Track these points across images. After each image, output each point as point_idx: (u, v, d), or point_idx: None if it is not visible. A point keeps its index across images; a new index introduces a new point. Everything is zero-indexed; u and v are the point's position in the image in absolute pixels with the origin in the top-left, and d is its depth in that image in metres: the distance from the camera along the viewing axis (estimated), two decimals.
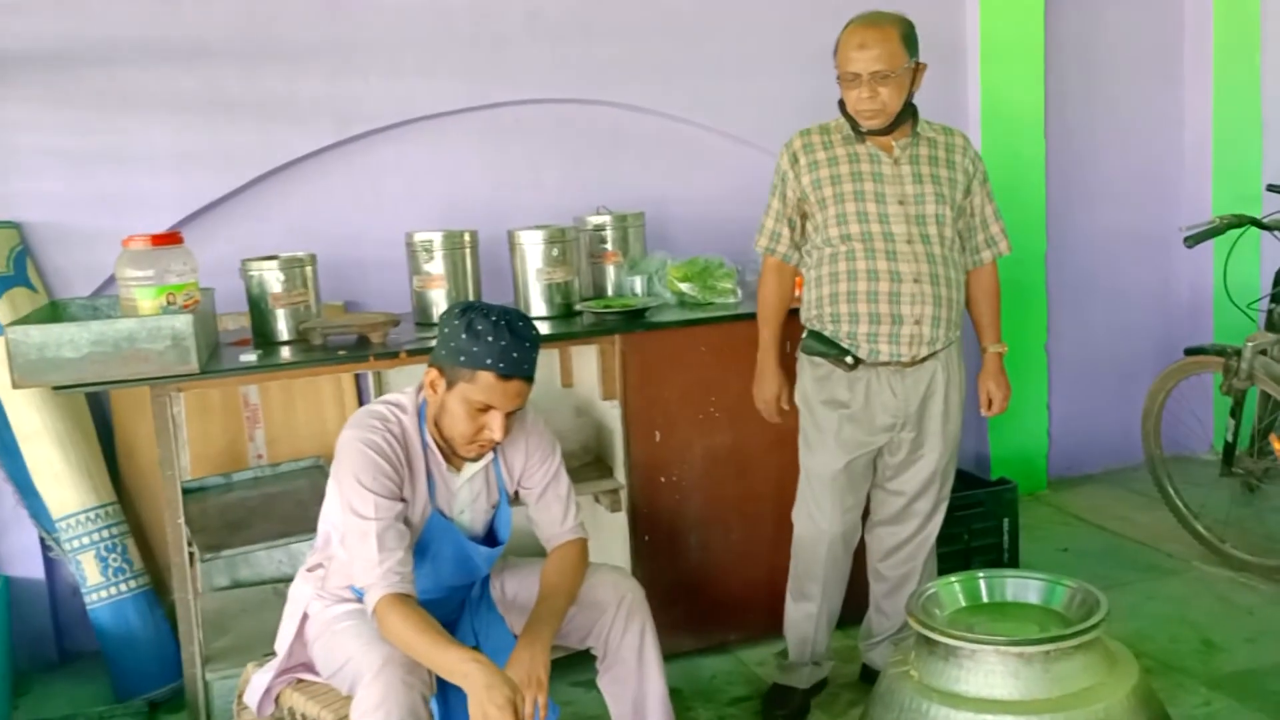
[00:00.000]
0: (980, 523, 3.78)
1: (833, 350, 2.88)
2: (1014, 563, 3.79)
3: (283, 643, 2.50)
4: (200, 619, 2.99)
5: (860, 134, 2.87)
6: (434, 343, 3.09)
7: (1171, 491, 4.07)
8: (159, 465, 2.90)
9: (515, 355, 2.27)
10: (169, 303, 2.90)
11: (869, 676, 3.18)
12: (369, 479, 2.27)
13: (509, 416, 2.32)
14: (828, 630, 3.14)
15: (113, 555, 3.32)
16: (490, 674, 2.12)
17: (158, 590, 3.45)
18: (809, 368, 2.96)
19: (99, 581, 3.31)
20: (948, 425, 2.96)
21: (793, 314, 3.07)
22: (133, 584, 3.34)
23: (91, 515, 3.32)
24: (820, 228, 2.89)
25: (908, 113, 2.88)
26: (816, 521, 3.01)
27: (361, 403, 3.81)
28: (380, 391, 3.60)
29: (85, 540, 3.31)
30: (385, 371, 3.57)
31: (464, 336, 2.26)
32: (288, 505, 3.29)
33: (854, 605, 3.20)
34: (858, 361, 2.86)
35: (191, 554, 2.95)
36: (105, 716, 3.18)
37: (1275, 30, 4.69)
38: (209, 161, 3.67)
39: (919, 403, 2.91)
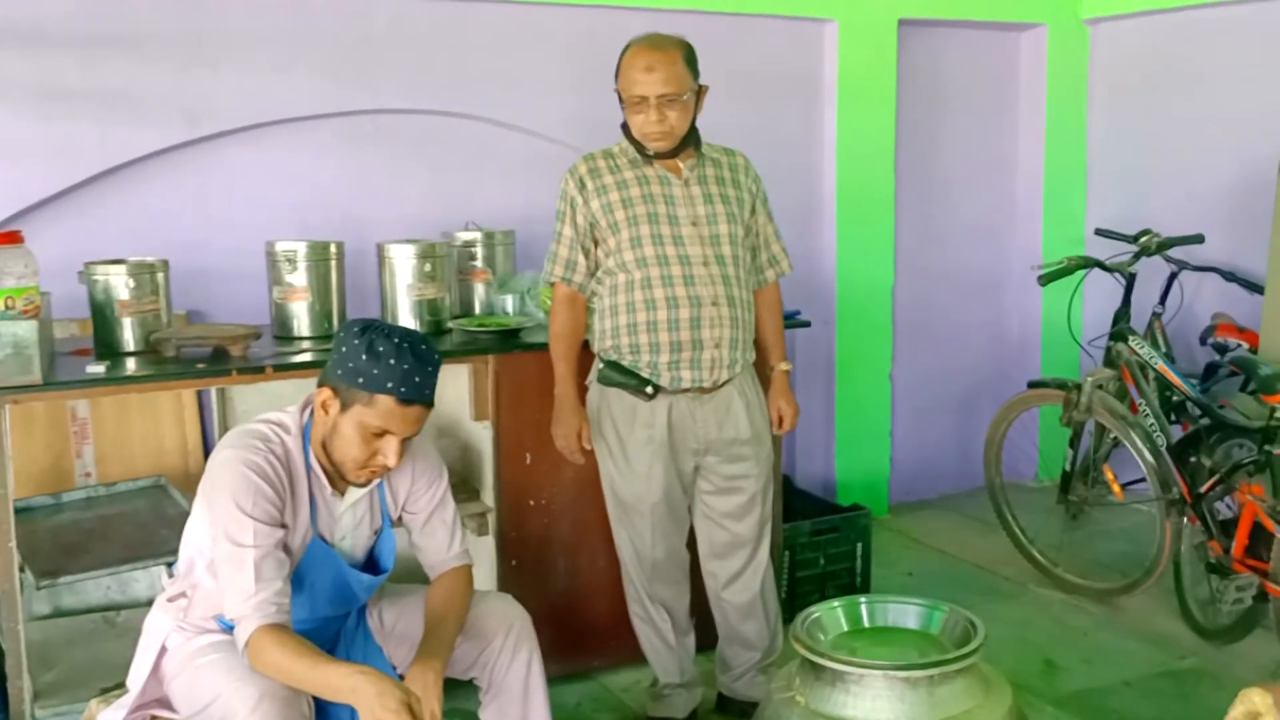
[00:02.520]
0: (835, 547, 3.85)
1: (632, 380, 2.86)
2: (866, 587, 3.89)
3: (137, 678, 2.31)
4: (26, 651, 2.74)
5: (648, 157, 2.89)
6: (309, 356, 3.00)
7: (1009, 517, 4.27)
8: None
9: (417, 379, 2.17)
10: (7, 307, 2.66)
11: (726, 706, 3.19)
12: (249, 504, 2.12)
13: (404, 442, 2.21)
14: (689, 649, 3.13)
15: None
16: (379, 681, 2.01)
17: None
18: (611, 400, 2.93)
19: None
20: (759, 448, 2.99)
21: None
22: None
23: None
24: (613, 252, 2.88)
25: (693, 135, 2.90)
26: (640, 551, 3.00)
27: (204, 420, 3.60)
28: (225, 409, 3.40)
29: None
30: (230, 389, 3.38)
31: (364, 357, 2.14)
32: (127, 528, 3.07)
33: (703, 631, 3.20)
34: (657, 390, 2.86)
35: (21, 581, 2.70)
36: None
37: (1102, 82, 5.00)
38: (41, 155, 3.42)
39: (718, 428, 2.92)
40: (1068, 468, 4.07)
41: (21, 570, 2.71)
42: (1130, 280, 4.02)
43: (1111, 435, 3.90)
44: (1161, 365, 3.82)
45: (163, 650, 2.29)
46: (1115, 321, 4.00)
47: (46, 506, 3.17)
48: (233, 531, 2.11)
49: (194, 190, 3.63)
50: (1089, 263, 3.92)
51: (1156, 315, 4.37)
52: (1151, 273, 4.36)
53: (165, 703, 2.31)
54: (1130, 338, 3.93)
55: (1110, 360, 3.97)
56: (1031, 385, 4.13)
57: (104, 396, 3.30)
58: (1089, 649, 3.59)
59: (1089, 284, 4.29)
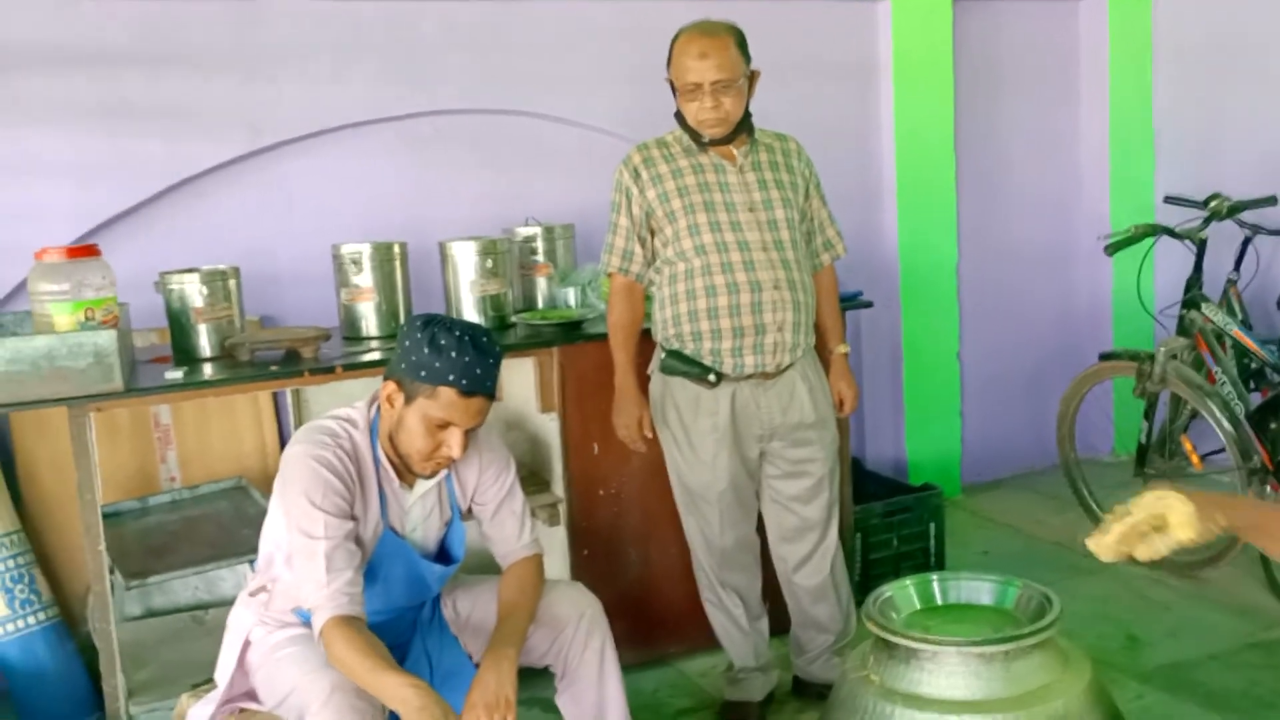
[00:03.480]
0: (908, 528, 3.83)
1: (695, 369, 2.86)
2: (941, 566, 3.86)
3: (223, 672, 2.38)
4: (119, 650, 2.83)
5: (702, 144, 2.88)
6: (377, 355, 3.06)
7: (1085, 493, 4.20)
8: (77, 489, 2.73)
9: (478, 372, 2.20)
10: (87, 318, 2.75)
11: (802, 689, 3.19)
12: (319, 497, 2.18)
13: (468, 434, 2.25)
14: (763, 632, 3.14)
15: (19, 586, 3.12)
16: (424, 696, 2.05)
17: (67, 622, 3.26)
18: (675, 388, 2.93)
19: (5, 615, 3.10)
20: (824, 432, 2.98)
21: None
22: (41, 616, 3.14)
23: None
24: (671, 241, 2.88)
25: (746, 121, 2.90)
26: (710, 538, 3.00)
27: (280, 421, 3.68)
28: (300, 409, 3.49)
29: None
30: (305, 389, 3.46)
31: (426, 351, 2.18)
32: (210, 528, 3.16)
33: (776, 616, 3.20)
34: (720, 378, 2.86)
35: (112, 582, 2.79)
36: None
37: (1166, 47, 4.90)
38: (112, 173, 3.52)
39: (783, 413, 2.91)
40: (1144, 440, 3.99)
41: (111, 572, 2.81)
42: (1201, 246, 3.93)
43: (1188, 406, 3.82)
44: (1237, 331, 3.74)
45: (246, 644, 2.36)
46: (1187, 289, 3.92)
47: (134, 510, 3.27)
48: (304, 525, 2.16)
49: (259, 199, 3.71)
50: (1157, 230, 3.85)
51: (1231, 282, 4.27)
52: (1226, 239, 4.27)
53: (252, 695, 2.37)
54: (1204, 305, 3.85)
55: (1183, 329, 3.89)
56: (1103, 357, 4.06)
57: (183, 402, 3.39)
58: (1172, 623, 3.53)
59: (1161, 253, 4.21)
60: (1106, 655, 3.27)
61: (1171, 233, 3.89)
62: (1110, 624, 3.51)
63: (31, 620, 3.12)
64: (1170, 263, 4.34)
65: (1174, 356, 3.73)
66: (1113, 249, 3.83)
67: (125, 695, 2.81)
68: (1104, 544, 1.50)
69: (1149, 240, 3.88)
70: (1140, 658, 3.31)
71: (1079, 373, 4.19)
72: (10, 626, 3.10)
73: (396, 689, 2.06)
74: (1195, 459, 3.87)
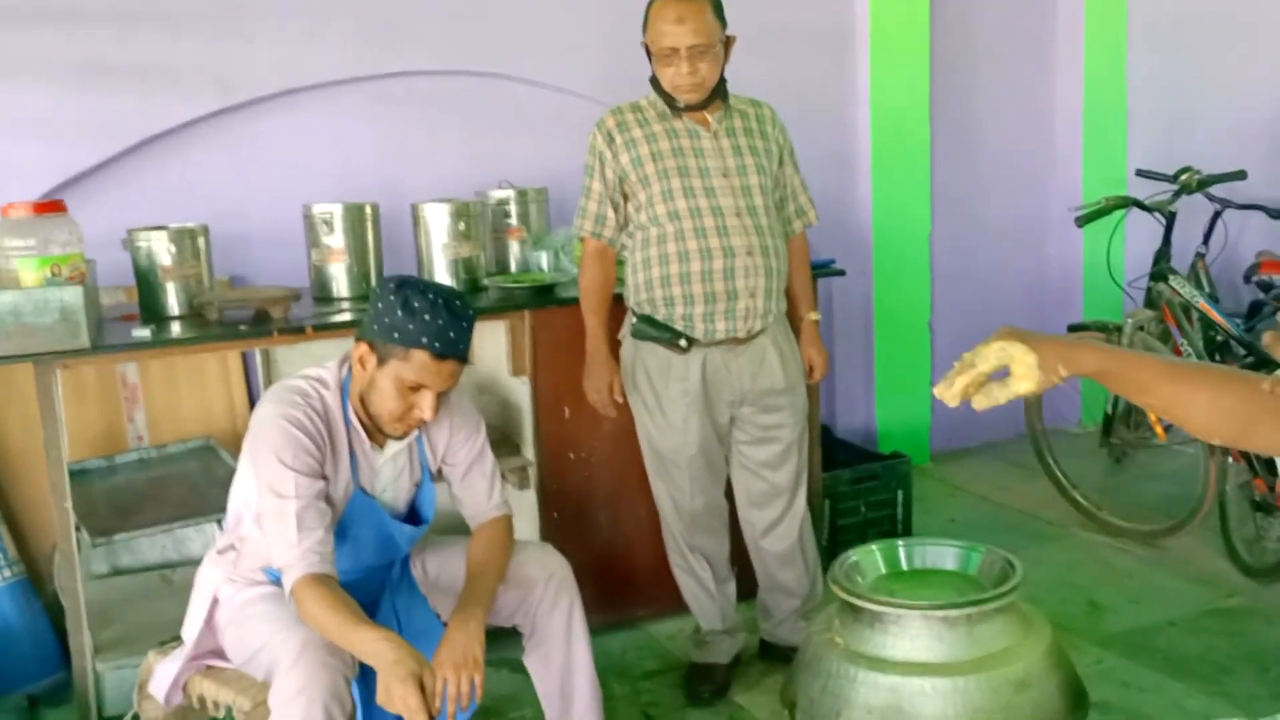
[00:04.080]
0: (876, 495, 3.87)
1: (666, 334, 2.87)
2: (908, 533, 3.90)
3: (191, 629, 2.38)
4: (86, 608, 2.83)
5: (676, 110, 2.88)
6: (348, 316, 3.05)
7: (1051, 462, 4.25)
8: (44, 446, 2.71)
9: (452, 335, 2.19)
10: (53, 274, 2.72)
11: (769, 652, 3.22)
12: (290, 456, 2.17)
13: (440, 396, 2.25)
14: (730, 596, 3.16)
15: None
16: (399, 650, 2.06)
17: (34, 581, 3.24)
18: (645, 353, 2.94)
19: None
20: (794, 398, 3.00)
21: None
22: (7, 574, 3.13)
23: None
24: (644, 206, 2.88)
25: (721, 86, 2.89)
26: (679, 502, 3.02)
27: (249, 382, 3.67)
28: (270, 370, 3.48)
29: None
30: (274, 350, 3.45)
31: (399, 313, 2.18)
32: (179, 488, 3.15)
33: (744, 580, 3.22)
34: (691, 343, 2.87)
35: (78, 540, 2.78)
36: None
37: (1141, 21, 4.91)
38: (81, 129, 3.47)
39: (753, 379, 2.93)
40: (1109, 411, 4.04)
41: (78, 530, 2.80)
42: (1171, 219, 3.96)
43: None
44: (1204, 304, 3.78)
45: (214, 602, 2.36)
46: (1156, 262, 3.95)
47: (100, 469, 3.25)
48: (275, 484, 2.16)
49: (230, 158, 3.67)
50: (1127, 202, 3.88)
51: (1200, 255, 4.31)
52: (1195, 213, 4.30)
53: (219, 653, 2.38)
54: (1171, 277, 3.88)
55: (1151, 301, 3.93)
56: (1071, 329, 4.09)
57: (151, 360, 3.37)
58: (1134, 590, 3.58)
59: (1132, 227, 4.23)
60: (1068, 621, 3.32)
61: (1142, 205, 3.92)
62: (1072, 590, 3.56)
63: None
64: (1140, 236, 4.37)
65: (1141, 328, 3.76)
66: (1084, 220, 3.85)
67: (91, 652, 2.81)
68: (949, 393, 1.49)
69: (1120, 212, 3.91)
70: (1101, 623, 3.36)
71: None
72: None
73: (370, 643, 2.07)
74: (1159, 430, 3.92)
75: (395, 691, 2.03)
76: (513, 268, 3.60)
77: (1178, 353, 3.81)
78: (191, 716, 2.45)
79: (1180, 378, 1.51)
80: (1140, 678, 3.03)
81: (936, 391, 1.52)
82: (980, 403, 1.50)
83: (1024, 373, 1.48)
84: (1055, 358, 1.49)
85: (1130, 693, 2.95)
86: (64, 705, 3.03)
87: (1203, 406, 1.50)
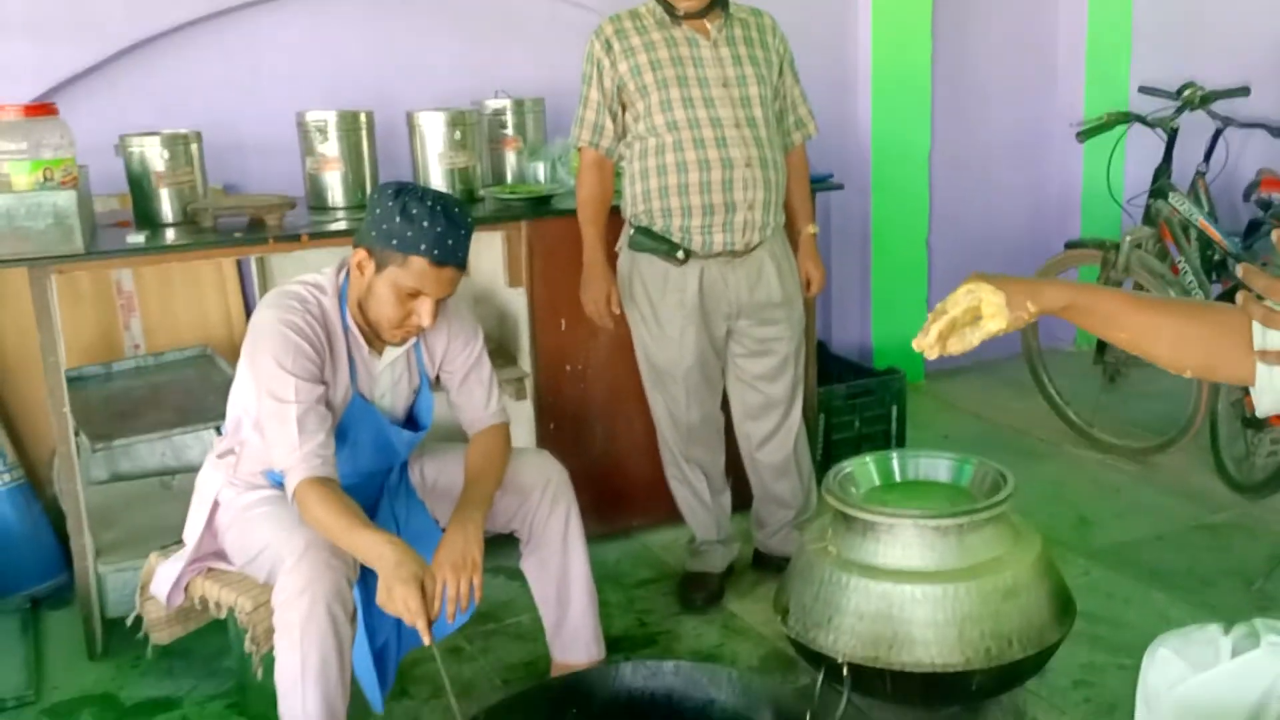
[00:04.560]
0: (870, 410, 3.89)
1: (663, 245, 2.86)
2: (901, 448, 3.92)
3: (192, 532, 2.41)
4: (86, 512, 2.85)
5: (676, 17, 2.84)
6: (343, 224, 3.03)
7: (1045, 380, 4.27)
8: (40, 351, 2.71)
9: (450, 242, 2.18)
10: (46, 179, 2.69)
11: (762, 562, 3.26)
12: (289, 361, 2.18)
13: (438, 303, 2.24)
14: (725, 507, 3.19)
15: None
16: (401, 553, 2.09)
17: (33, 487, 3.26)
18: (643, 265, 2.93)
19: None
20: (790, 311, 3.00)
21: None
22: (7, 478, 3.14)
23: None
24: (642, 116, 2.85)
25: None
26: (675, 414, 3.04)
27: (245, 291, 3.66)
28: (265, 279, 3.46)
29: None
30: (269, 260, 3.43)
31: (398, 219, 2.16)
32: (177, 395, 3.16)
33: (738, 492, 3.26)
34: (689, 255, 2.86)
35: (77, 445, 2.80)
36: None
37: None
38: (68, 29, 3.40)
39: (750, 292, 2.93)
40: None
41: (77, 435, 2.81)
42: (1172, 136, 3.94)
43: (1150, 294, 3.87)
44: (1203, 221, 3.77)
45: (215, 505, 2.38)
46: (1156, 179, 3.94)
47: (98, 376, 3.26)
48: (275, 388, 2.17)
49: (223, 64, 3.61)
50: (1129, 117, 3.85)
51: (1200, 174, 4.28)
52: (1196, 131, 4.26)
53: (220, 555, 2.41)
54: (1171, 194, 3.87)
55: (1150, 218, 3.92)
56: (1069, 246, 4.09)
57: (147, 267, 3.36)
58: (1122, 505, 3.63)
59: (1132, 144, 4.20)
60: (1056, 534, 3.36)
61: (1144, 120, 3.89)
62: (1062, 505, 3.61)
63: None
64: (1141, 154, 4.34)
65: (1139, 246, 3.76)
66: (1085, 135, 3.83)
67: (93, 555, 2.84)
68: (926, 342, 1.53)
69: (1121, 128, 3.88)
70: (1089, 537, 3.41)
71: (1045, 261, 4.22)
72: None
73: (373, 545, 2.10)
74: None
75: (396, 593, 2.06)
76: (509, 179, 3.57)
77: (1175, 271, 3.81)
78: (194, 617, 2.49)
79: (1147, 309, 1.54)
80: (1125, 589, 3.08)
81: (915, 344, 1.56)
82: (955, 346, 1.53)
83: (993, 311, 1.51)
84: (1023, 295, 1.52)
85: (1115, 603, 3.00)
86: (66, 607, 3.07)
87: (1171, 337, 1.52)
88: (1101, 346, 4.10)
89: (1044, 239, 4.97)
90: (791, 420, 3.10)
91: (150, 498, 3.22)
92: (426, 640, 2.09)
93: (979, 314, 1.53)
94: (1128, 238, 3.78)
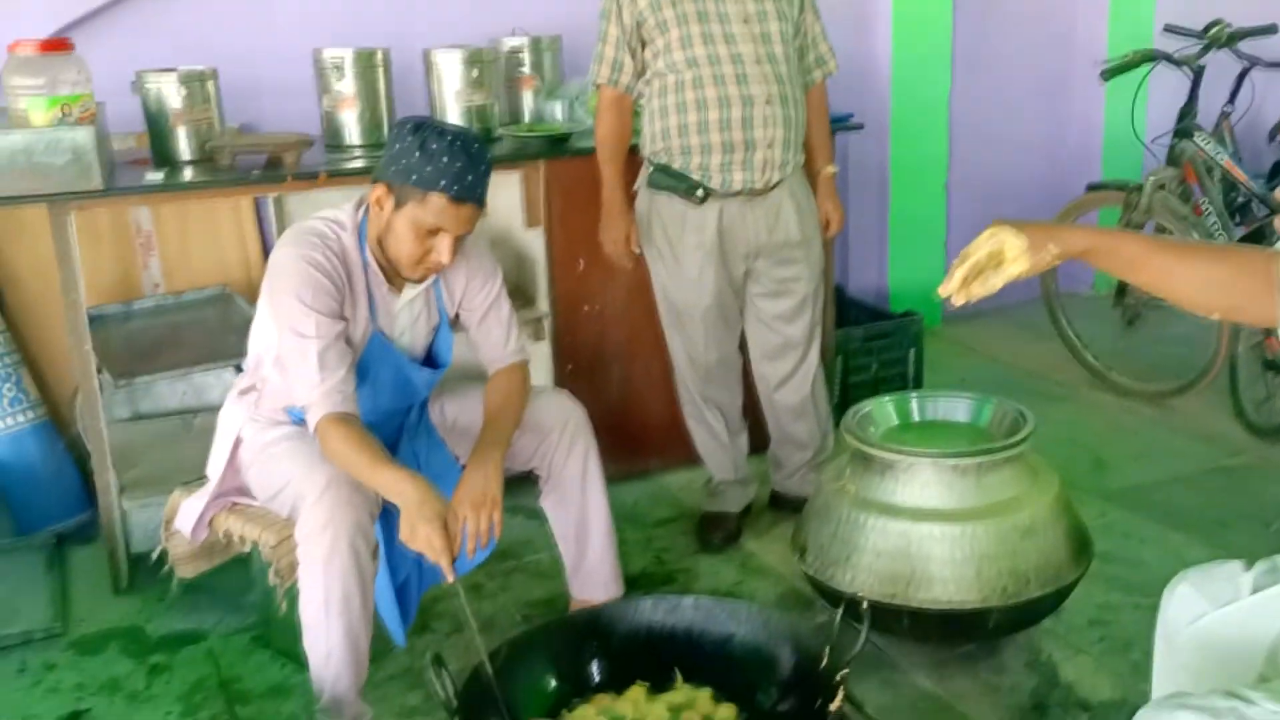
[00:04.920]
0: (888, 353, 3.88)
1: (682, 184, 2.84)
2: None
3: (215, 468, 2.43)
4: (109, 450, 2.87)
5: None
6: (360, 163, 3.01)
7: (1064, 324, 4.26)
8: (61, 289, 2.72)
9: (469, 179, 2.17)
10: (64, 115, 2.68)
11: (780, 503, 3.28)
12: (310, 297, 2.18)
13: (457, 240, 2.24)
14: (742, 448, 3.20)
15: (7, 386, 3.13)
16: (424, 490, 2.11)
17: (56, 425, 3.29)
18: (661, 204, 2.91)
19: None
20: (809, 251, 2.98)
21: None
22: (30, 415, 3.17)
23: None
24: (662, 53, 2.82)
25: None
26: (693, 355, 3.03)
27: (262, 232, 3.65)
28: (282, 219, 3.45)
29: None
30: (286, 200, 3.42)
31: (417, 155, 2.14)
32: (197, 334, 3.17)
33: (756, 434, 3.26)
34: (708, 194, 2.84)
35: (100, 383, 2.82)
36: (11, 550, 3.05)
37: None
38: None
39: (769, 231, 2.91)
40: None
41: (99, 373, 2.83)
42: (1198, 74, 3.87)
43: (1173, 237, 3.84)
44: (1228, 163, 3.72)
45: (237, 441, 2.40)
46: (1181, 118, 3.88)
47: (118, 314, 3.27)
48: (296, 324, 2.17)
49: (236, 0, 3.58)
50: (1154, 56, 3.78)
51: (1225, 115, 4.22)
52: (1222, 73, 4.19)
53: (243, 491, 2.43)
54: (1196, 134, 3.82)
55: (1173, 158, 3.87)
56: (1090, 188, 4.05)
57: (165, 206, 3.35)
58: (1140, 448, 3.63)
59: (1155, 84, 4.13)
60: (1073, 476, 3.34)
61: (1169, 59, 3.82)
62: (1079, 448, 3.61)
63: (21, 419, 3.14)
64: (1164, 95, 4.27)
65: (1162, 187, 3.72)
66: (1109, 74, 3.77)
67: (117, 491, 2.87)
68: (950, 287, 1.55)
69: (1145, 67, 3.82)
70: (1106, 479, 3.41)
71: (1065, 204, 4.18)
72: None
73: (395, 482, 2.11)
74: None
75: (420, 531, 2.08)
76: (526, 118, 3.55)
77: (1198, 212, 3.77)
78: (217, 552, 2.52)
79: (1172, 252, 1.55)
80: (1142, 530, 3.09)
81: (940, 291, 1.60)
82: (979, 289, 1.55)
83: (1016, 255, 1.53)
84: (1045, 238, 1.54)
85: (1132, 544, 3.01)
86: (91, 543, 3.11)
87: (1195, 279, 1.53)
88: (1121, 290, 4.07)
89: (1064, 181, 4.91)
90: (809, 362, 3.10)
91: (172, 436, 3.25)
92: (450, 578, 2.11)
93: (1002, 258, 1.55)
94: (1151, 179, 3.73)
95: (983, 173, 4.89)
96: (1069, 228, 1.59)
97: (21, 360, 3.23)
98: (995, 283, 1.55)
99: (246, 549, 2.40)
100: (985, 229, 1.56)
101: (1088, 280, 5.02)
